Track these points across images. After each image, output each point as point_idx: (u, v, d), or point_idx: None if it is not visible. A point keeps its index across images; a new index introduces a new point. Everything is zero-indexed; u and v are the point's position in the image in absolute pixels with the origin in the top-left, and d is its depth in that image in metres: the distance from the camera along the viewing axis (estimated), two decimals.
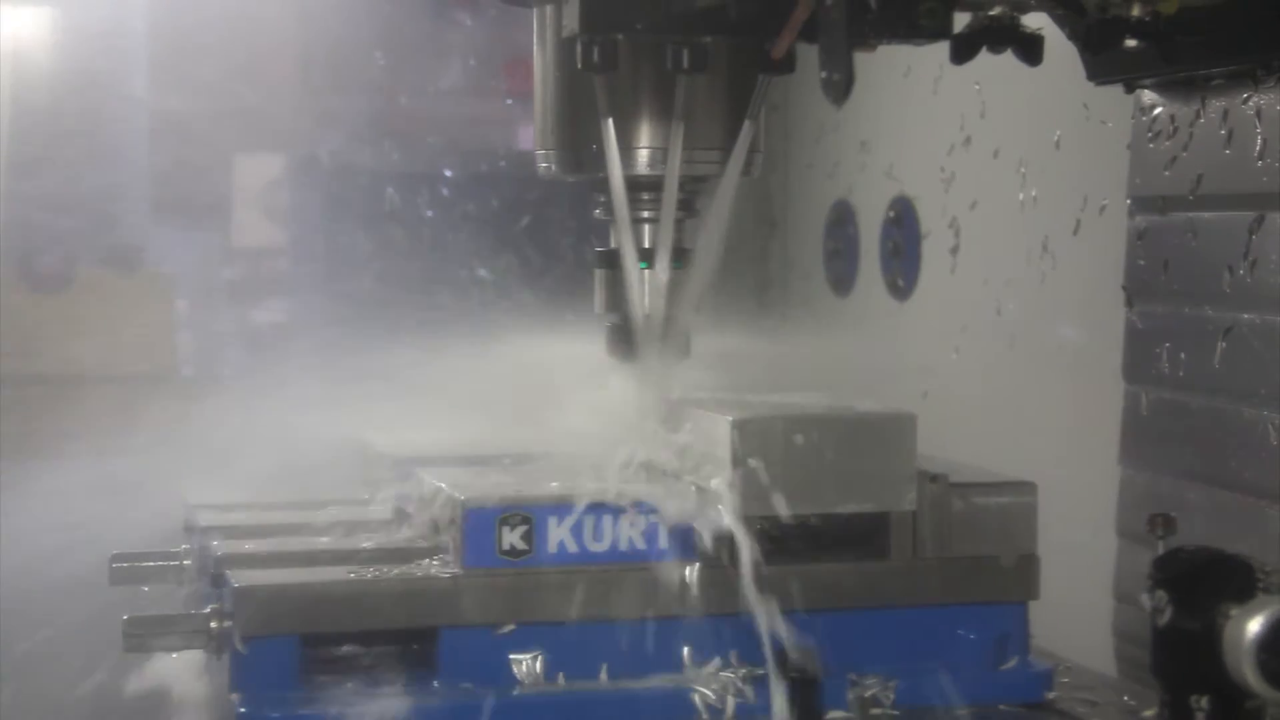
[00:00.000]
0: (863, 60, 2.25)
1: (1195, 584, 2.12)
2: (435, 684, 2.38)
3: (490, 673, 2.38)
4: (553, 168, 2.82)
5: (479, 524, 2.40)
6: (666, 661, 2.43)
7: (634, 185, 2.74)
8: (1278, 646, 2.06)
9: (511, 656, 2.40)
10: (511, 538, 2.40)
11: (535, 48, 2.83)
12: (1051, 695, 2.51)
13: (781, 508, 2.42)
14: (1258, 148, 2.64)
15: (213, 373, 4.23)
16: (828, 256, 4.30)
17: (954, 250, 3.70)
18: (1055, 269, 3.33)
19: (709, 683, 2.41)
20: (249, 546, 2.55)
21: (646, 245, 2.77)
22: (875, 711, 2.42)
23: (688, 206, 2.79)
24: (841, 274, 4.22)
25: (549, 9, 2.76)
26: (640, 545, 2.43)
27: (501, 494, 2.44)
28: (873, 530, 2.49)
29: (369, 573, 2.42)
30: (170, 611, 2.43)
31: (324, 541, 2.59)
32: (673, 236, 2.76)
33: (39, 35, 4.28)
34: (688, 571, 2.43)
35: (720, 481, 2.43)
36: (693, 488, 2.46)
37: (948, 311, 3.71)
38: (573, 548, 2.42)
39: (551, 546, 2.41)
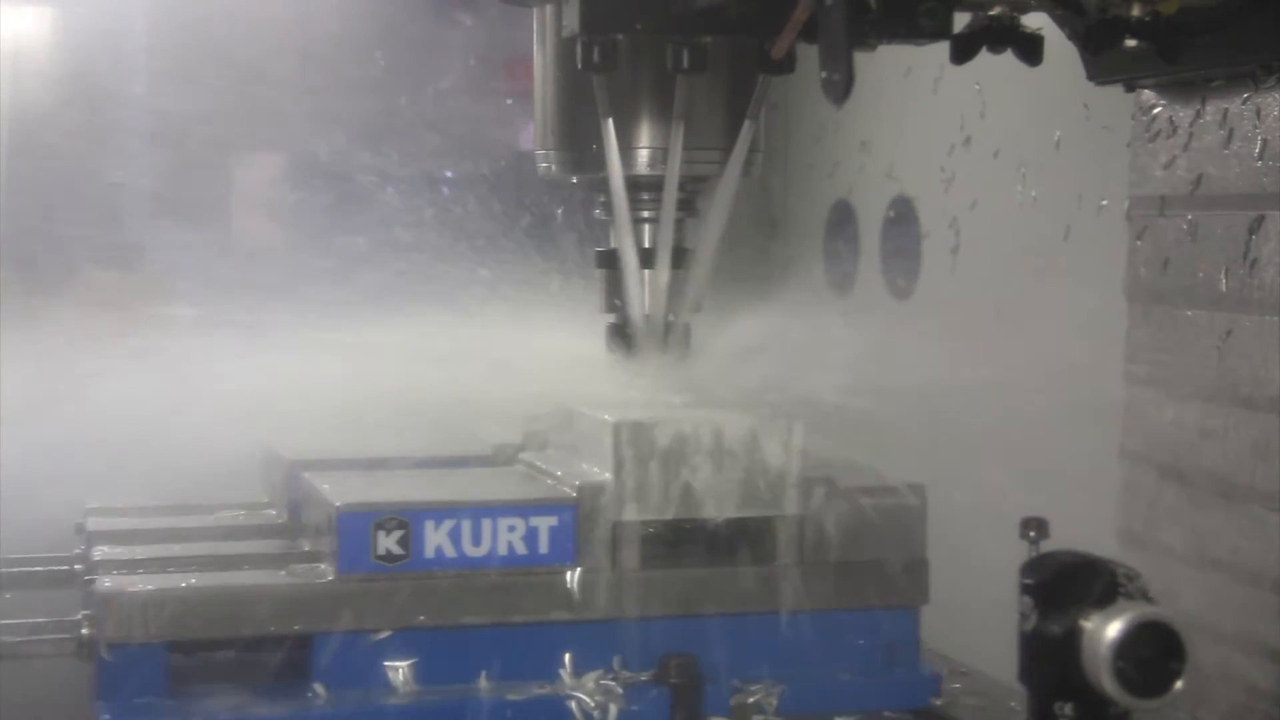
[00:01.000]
0: (863, 60, 2.25)
1: (1058, 589, 2.08)
2: (309, 692, 2.32)
3: (365, 680, 2.34)
4: (553, 168, 2.82)
5: (353, 528, 2.33)
6: (547, 668, 2.39)
7: (634, 185, 2.74)
8: (1135, 652, 2.03)
9: (386, 663, 2.35)
10: (387, 542, 2.34)
11: (535, 48, 2.83)
12: (938, 701, 2.49)
13: (665, 511, 2.42)
14: (1258, 148, 2.64)
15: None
16: (828, 256, 4.30)
17: (954, 250, 3.70)
18: (1055, 269, 3.33)
19: (590, 690, 2.37)
20: (127, 551, 2.50)
21: (646, 245, 2.77)
22: (757, 718, 2.40)
23: (688, 206, 2.79)
24: (841, 274, 4.22)
25: (549, 9, 2.76)
26: (520, 550, 2.37)
27: (378, 498, 2.38)
28: (759, 534, 2.46)
29: (243, 578, 2.38)
30: (40, 619, 2.38)
31: (207, 547, 2.54)
32: (673, 236, 2.76)
33: (39, 35, 4.28)
34: (569, 576, 2.40)
35: (603, 484, 2.41)
36: (575, 491, 2.42)
37: (948, 311, 3.70)
38: (450, 552, 2.36)
39: (429, 551, 2.35)
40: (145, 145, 4.34)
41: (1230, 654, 2.64)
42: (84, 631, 2.32)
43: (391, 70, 4.39)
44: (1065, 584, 2.08)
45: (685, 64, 2.63)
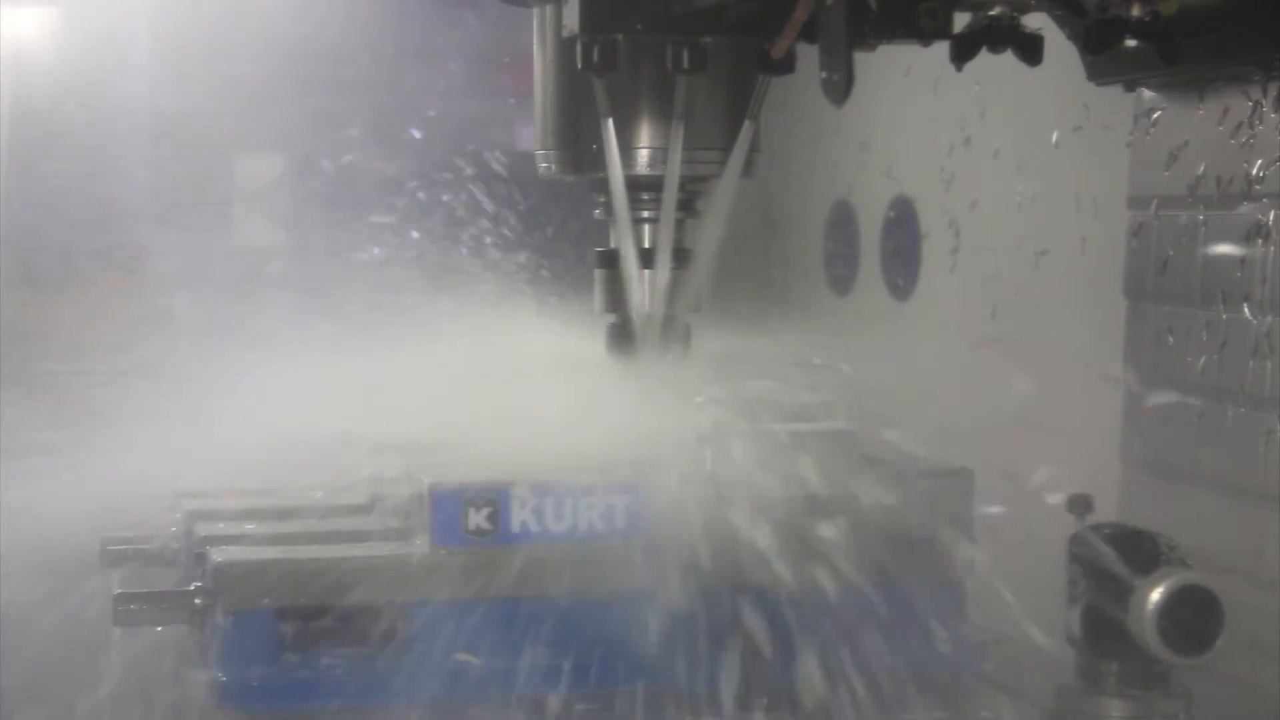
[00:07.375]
0: (863, 60, 2.25)
1: (1105, 558, 2.26)
2: (405, 656, 2.47)
3: (457, 646, 2.48)
4: (553, 168, 2.82)
5: (445, 505, 2.51)
6: (626, 634, 2.51)
7: (634, 185, 2.75)
8: (1177, 614, 2.19)
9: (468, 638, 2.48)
10: (477, 518, 2.51)
11: (535, 48, 2.83)
12: (988, 666, 2.58)
13: (757, 487, 2.53)
14: (1257, 147, 2.64)
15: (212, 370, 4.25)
16: (828, 256, 4.30)
17: (954, 250, 3.70)
18: (1054, 269, 3.33)
19: (667, 657, 2.49)
20: (229, 528, 2.67)
21: (646, 245, 2.77)
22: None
23: (688, 206, 2.79)
24: (841, 274, 4.22)
25: (549, 9, 2.76)
26: (598, 525, 2.53)
27: (467, 477, 2.55)
28: (816, 511, 2.57)
29: (345, 550, 2.53)
30: (158, 589, 2.57)
31: (299, 524, 2.70)
32: (673, 236, 2.76)
33: (39, 35, 4.28)
34: (642, 549, 2.52)
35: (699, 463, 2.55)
36: (653, 470, 2.56)
37: (948, 312, 3.71)
38: (535, 528, 2.52)
39: (515, 526, 2.51)
40: (144, 144, 4.35)
41: None
42: (197, 601, 2.50)
43: (391, 70, 4.39)
44: (1111, 553, 2.25)
45: (685, 64, 2.63)
